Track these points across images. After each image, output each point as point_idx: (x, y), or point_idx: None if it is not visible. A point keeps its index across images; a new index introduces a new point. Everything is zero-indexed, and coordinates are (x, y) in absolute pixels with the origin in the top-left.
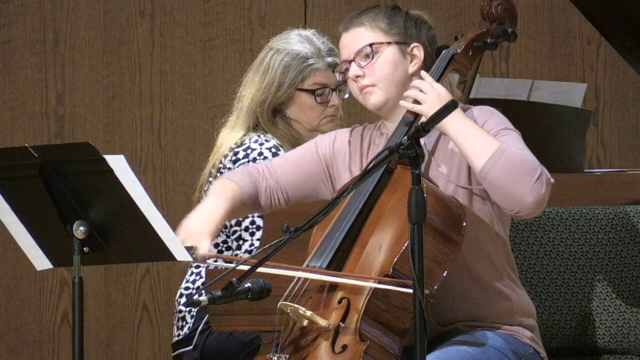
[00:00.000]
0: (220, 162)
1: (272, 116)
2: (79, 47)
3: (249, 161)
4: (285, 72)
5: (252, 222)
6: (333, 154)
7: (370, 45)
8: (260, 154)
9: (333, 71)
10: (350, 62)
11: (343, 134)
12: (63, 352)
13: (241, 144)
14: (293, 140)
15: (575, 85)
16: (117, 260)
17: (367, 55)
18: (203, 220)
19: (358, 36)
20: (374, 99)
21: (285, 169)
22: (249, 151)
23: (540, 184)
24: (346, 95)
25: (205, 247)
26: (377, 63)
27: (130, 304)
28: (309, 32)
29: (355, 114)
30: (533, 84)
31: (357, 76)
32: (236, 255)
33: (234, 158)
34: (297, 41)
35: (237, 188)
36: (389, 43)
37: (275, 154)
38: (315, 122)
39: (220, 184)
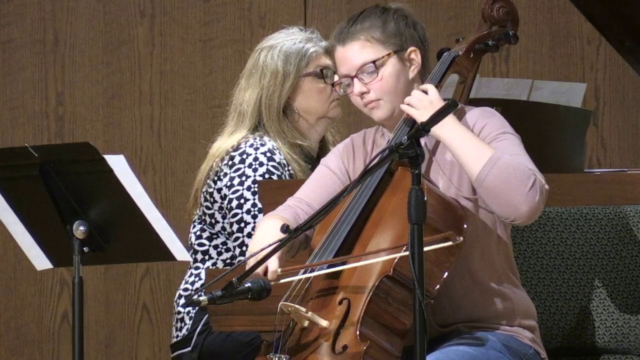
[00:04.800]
0: (217, 166)
1: (280, 113)
2: (79, 47)
3: (245, 166)
4: (287, 61)
5: (254, 228)
6: (343, 165)
7: (373, 62)
8: (256, 159)
9: (333, 85)
10: (352, 77)
11: (343, 144)
12: (63, 352)
13: (237, 148)
14: (293, 142)
15: (575, 85)
16: (117, 260)
17: (369, 72)
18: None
19: (356, 51)
20: (381, 113)
21: (310, 195)
22: (244, 156)
23: (534, 192)
24: None
25: (273, 266)
26: (381, 78)
27: (130, 304)
28: (291, 28)
29: (355, 114)
30: (533, 84)
31: (363, 93)
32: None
33: (230, 162)
34: (285, 35)
35: (282, 219)
36: (389, 55)
37: (270, 158)
38: (324, 107)
39: (264, 221)
